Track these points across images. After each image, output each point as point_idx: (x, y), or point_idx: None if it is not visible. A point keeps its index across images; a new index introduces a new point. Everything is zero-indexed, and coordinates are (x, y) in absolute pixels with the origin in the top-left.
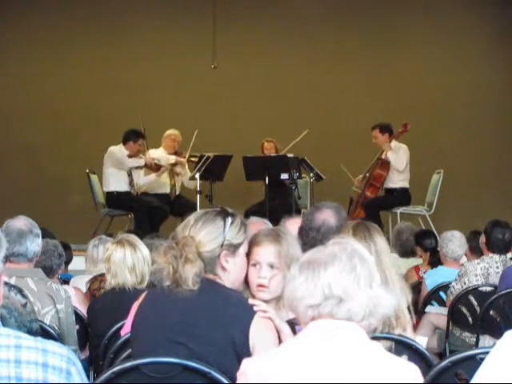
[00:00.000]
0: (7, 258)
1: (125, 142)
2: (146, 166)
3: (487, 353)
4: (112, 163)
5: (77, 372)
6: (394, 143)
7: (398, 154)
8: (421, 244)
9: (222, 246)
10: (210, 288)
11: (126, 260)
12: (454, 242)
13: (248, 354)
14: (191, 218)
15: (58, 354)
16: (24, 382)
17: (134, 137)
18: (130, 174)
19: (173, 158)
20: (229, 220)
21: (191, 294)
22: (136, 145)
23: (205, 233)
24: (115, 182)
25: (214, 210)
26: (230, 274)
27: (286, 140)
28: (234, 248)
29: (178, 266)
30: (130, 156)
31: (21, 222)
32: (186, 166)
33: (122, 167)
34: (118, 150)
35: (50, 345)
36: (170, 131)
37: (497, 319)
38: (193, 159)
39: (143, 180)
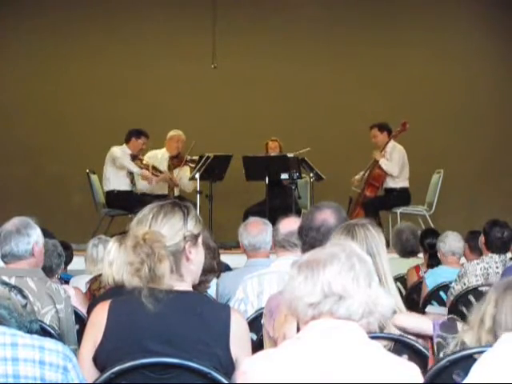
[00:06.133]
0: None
1: (127, 141)
2: (141, 175)
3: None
4: (111, 161)
5: (73, 367)
6: (391, 143)
7: (391, 160)
8: (423, 243)
9: (185, 238)
10: (182, 302)
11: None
12: (451, 241)
13: (232, 365)
14: (147, 212)
15: (55, 351)
16: (21, 379)
17: (136, 134)
18: (130, 173)
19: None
20: (187, 211)
21: (166, 305)
22: (138, 142)
23: (168, 226)
24: (115, 181)
25: (168, 203)
26: (194, 264)
27: (285, 140)
28: (195, 239)
29: (151, 264)
30: (133, 157)
31: (10, 223)
32: (188, 170)
33: (117, 164)
34: (119, 150)
35: (47, 342)
36: (172, 132)
37: None
38: (191, 165)
39: (141, 185)
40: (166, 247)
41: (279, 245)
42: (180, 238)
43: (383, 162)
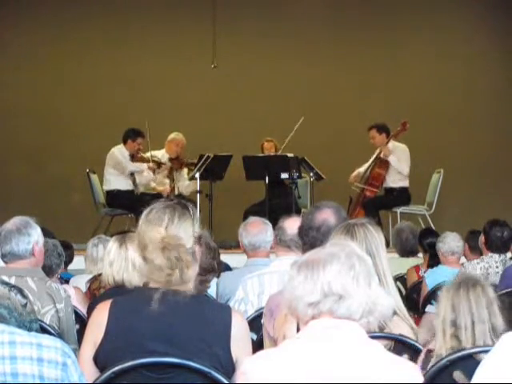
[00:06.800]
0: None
1: (124, 141)
2: (147, 169)
3: (485, 351)
4: (113, 165)
5: (72, 363)
6: (392, 143)
7: (400, 158)
8: (422, 243)
9: (194, 240)
10: (183, 301)
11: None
12: (451, 241)
13: (232, 365)
14: (161, 214)
15: (53, 348)
16: (20, 377)
17: (132, 135)
18: (132, 174)
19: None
20: (193, 212)
21: (167, 305)
22: (135, 143)
23: (183, 230)
24: (116, 180)
25: (177, 204)
26: (197, 263)
27: (283, 140)
28: (199, 239)
29: (180, 270)
30: (132, 156)
31: (11, 223)
32: (185, 171)
33: (122, 171)
34: (120, 152)
35: (44, 339)
36: (173, 135)
37: None
38: (192, 168)
39: (142, 185)
40: (191, 255)
41: (285, 245)
42: (193, 240)
43: (393, 160)
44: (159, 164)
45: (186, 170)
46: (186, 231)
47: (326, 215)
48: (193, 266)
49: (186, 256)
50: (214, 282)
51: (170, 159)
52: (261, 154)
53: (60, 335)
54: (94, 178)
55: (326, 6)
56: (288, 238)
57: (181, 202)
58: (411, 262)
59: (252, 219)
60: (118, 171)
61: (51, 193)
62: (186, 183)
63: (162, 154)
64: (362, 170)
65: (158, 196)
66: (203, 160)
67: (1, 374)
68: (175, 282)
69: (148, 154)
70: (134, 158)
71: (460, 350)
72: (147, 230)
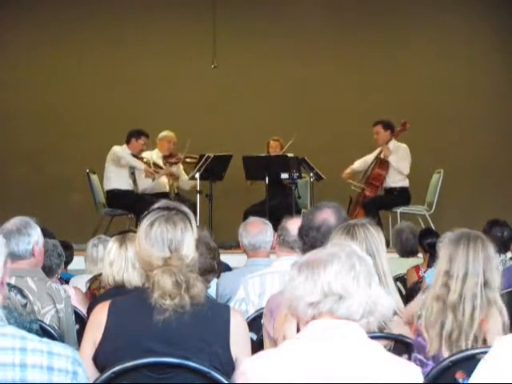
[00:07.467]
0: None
1: (128, 141)
2: (145, 170)
3: (487, 352)
4: (112, 160)
5: (83, 371)
6: (392, 143)
7: (400, 157)
8: (422, 244)
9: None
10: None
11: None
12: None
13: (232, 364)
14: (163, 230)
15: (64, 356)
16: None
17: (136, 134)
18: (132, 173)
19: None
20: (192, 219)
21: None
22: (138, 143)
23: (187, 244)
24: (116, 180)
25: (176, 214)
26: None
27: (286, 139)
28: (197, 242)
29: (183, 290)
30: (133, 155)
31: (11, 223)
32: (181, 167)
33: (120, 163)
34: (121, 148)
35: (55, 346)
36: (164, 133)
37: None
38: (188, 160)
39: (143, 184)
40: (188, 264)
41: (288, 245)
42: (195, 251)
43: (393, 160)
44: (160, 168)
45: (181, 166)
46: (189, 244)
47: (326, 215)
48: (200, 282)
49: (192, 275)
50: (214, 282)
51: (164, 157)
52: (262, 154)
53: (60, 335)
54: (94, 178)
55: (326, 6)
56: (292, 239)
57: (180, 210)
58: (411, 262)
59: (252, 219)
60: (118, 165)
61: (51, 193)
62: (184, 179)
63: (156, 154)
64: (355, 166)
65: (157, 195)
66: (203, 160)
67: (10, 381)
68: (185, 300)
69: (148, 153)
70: (135, 158)
71: (463, 351)
72: (150, 249)
